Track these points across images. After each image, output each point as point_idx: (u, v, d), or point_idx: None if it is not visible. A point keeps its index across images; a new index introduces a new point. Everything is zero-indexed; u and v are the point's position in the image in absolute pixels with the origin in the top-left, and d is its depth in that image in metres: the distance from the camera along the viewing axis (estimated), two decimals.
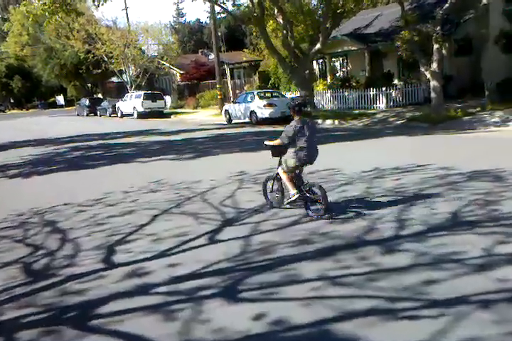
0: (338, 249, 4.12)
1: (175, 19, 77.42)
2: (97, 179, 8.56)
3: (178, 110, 33.59)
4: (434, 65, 13.88)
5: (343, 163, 8.09)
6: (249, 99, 19.02)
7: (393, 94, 19.41)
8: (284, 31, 18.94)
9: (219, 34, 66.45)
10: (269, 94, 19.65)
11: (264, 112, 17.77)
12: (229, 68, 26.74)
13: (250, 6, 18.98)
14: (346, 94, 20.78)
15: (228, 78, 26.67)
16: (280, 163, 5.48)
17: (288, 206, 5.44)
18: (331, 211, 5.04)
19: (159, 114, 29.03)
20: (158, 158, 10.46)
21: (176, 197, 6.56)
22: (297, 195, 5.15)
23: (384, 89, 19.16)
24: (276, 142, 5.42)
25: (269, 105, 17.84)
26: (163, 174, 8.43)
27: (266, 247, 4.30)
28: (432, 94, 14.49)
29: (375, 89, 19.52)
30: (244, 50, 37.84)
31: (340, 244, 4.22)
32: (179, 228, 5.09)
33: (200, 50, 49.27)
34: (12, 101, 67.34)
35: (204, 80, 35.67)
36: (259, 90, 21.15)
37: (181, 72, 39.81)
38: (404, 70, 21.65)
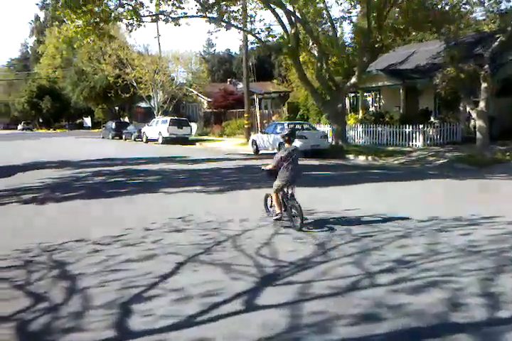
0: (417, 331, 3.18)
1: (205, 49, 79.15)
2: (116, 210, 7.80)
3: (204, 137, 33.24)
4: (482, 104, 13.05)
5: (392, 208, 7.19)
6: (278, 129, 18.32)
7: (431, 132, 18.51)
8: (319, 63, 18.45)
9: (249, 64, 67.40)
10: (299, 126, 18.98)
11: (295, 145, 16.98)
12: (258, 98, 26.33)
13: (285, 37, 18.62)
14: (380, 129, 19.98)
15: (257, 108, 26.21)
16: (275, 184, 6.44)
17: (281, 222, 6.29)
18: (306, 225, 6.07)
19: (184, 141, 28.65)
20: (184, 189, 9.69)
21: (204, 239, 5.71)
22: (279, 216, 6.28)
23: (421, 126, 18.30)
24: (271, 167, 6.65)
25: (300, 137, 17.07)
26: (188, 208, 7.63)
27: (321, 322, 3.38)
28: (478, 135, 13.59)
29: (411, 126, 18.68)
30: (274, 80, 37.77)
31: (419, 325, 3.28)
32: (209, 283, 4.22)
33: (228, 80, 49.59)
34: (41, 120, 68.63)
35: (231, 109, 35.49)
36: (289, 121, 20.52)
37: (209, 99, 39.83)
38: (441, 108, 20.84)
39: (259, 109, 26.99)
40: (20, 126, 72.19)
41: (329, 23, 19.32)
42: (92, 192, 9.89)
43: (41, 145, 29.08)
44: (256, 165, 14.00)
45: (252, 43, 19.20)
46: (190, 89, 38.43)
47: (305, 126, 19.04)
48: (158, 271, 4.61)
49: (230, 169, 13.42)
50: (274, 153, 18.02)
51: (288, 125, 18.10)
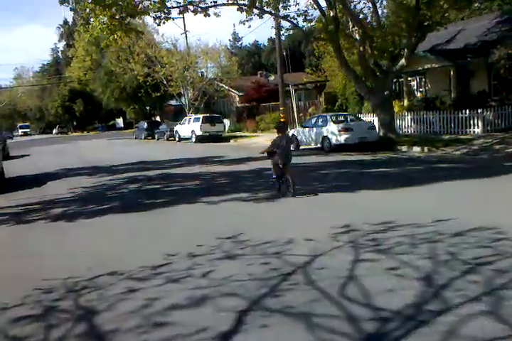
0: None
1: (231, 43, 77.87)
2: (153, 228, 6.69)
3: (237, 133, 32.13)
4: None
5: (501, 219, 5.71)
6: (320, 122, 16.99)
7: (490, 117, 16.68)
8: (361, 48, 16.90)
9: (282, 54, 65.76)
10: (342, 118, 17.54)
11: (340, 138, 15.62)
12: (293, 89, 24.92)
13: (323, 21, 17.14)
14: (431, 116, 18.25)
15: (293, 100, 24.82)
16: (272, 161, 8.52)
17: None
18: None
19: (218, 138, 27.63)
20: (228, 197, 8.51)
21: (266, 271, 4.49)
22: (276, 178, 8.49)
23: (480, 111, 16.51)
24: (268, 149, 8.60)
25: (345, 130, 15.69)
26: (238, 223, 6.45)
27: None
28: None
29: (467, 111, 16.90)
30: (306, 70, 36.19)
31: None
32: None
33: (259, 72, 48.12)
34: (75, 123, 69.36)
35: (264, 102, 34.16)
36: (332, 113, 19.06)
37: (240, 94, 38.65)
38: (499, 89, 18.88)
39: (295, 101, 25.59)
40: (55, 130, 73.33)
41: (370, 3, 17.73)
42: (126, 203, 8.86)
43: (74, 149, 28.69)
44: (302, 164, 12.75)
45: (287, 29, 17.79)
46: (221, 84, 37.33)
47: (350, 118, 17.57)
48: (215, 327, 3.42)
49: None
50: (317, 148, 16.93)
51: (331, 117, 16.67)
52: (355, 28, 16.90)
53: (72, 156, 22.59)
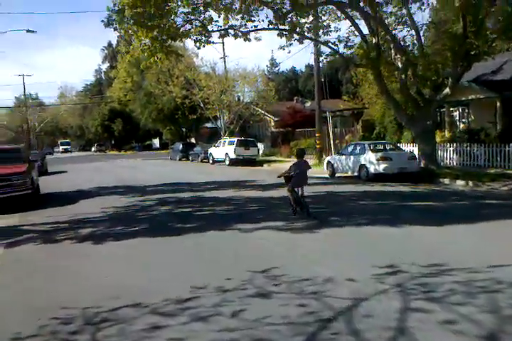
0: None
1: (269, 68, 78.85)
2: (182, 256, 6.33)
3: (271, 158, 31.89)
4: None
5: None
6: (358, 150, 16.48)
7: None
8: (403, 75, 16.48)
9: (314, 82, 65.92)
10: (381, 147, 16.99)
11: (378, 167, 15.06)
12: (330, 116, 24.58)
13: (364, 47, 16.88)
14: (475, 149, 17.46)
15: (330, 126, 24.45)
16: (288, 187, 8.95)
17: None
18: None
19: (251, 162, 27.44)
20: (262, 225, 8.10)
21: (302, 314, 4.02)
22: (294, 209, 8.92)
23: None
24: (285, 173, 9.13)
25: (384, 159, 15.13)
26: (273, 255, 6.02)
27: None
28: None
29: None
30: (343, 97, 35.96)
31: None
32: None
33: (295, 98, 48.36)
34: (113, 142, 71.08)
35: (299, 128, 33.95)
36: (370, 141, 18.55)
37: (275, 119, 38.63)
38: None
39: (331, 127, 25.20)
40: (93, 148, 75.38)
41: (413, 31, 17.39)
42: (155, 226, 8.58)
43: (111, 167, 29.07)
44: (338, 193, 12.24)
45: (327, 55, 17.59)
46: (257, 109, 37.47)
47: (389, 147, 17.00)
48: None
49: (309, 197, 11.64)
50: (354, 177, 16.38)
51: (369, 145, 16.16)
52: (397, 55, 16.52)
53: (107, 174, 22.80)
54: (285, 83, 71.46)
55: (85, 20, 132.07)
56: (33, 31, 33.66)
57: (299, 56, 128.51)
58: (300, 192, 8.85)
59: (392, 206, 10.21)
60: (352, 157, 16.40)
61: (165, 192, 13.96)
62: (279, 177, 9.35)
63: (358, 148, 16.54)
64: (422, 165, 16.28)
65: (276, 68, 79.74)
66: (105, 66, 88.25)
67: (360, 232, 7.33)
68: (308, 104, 40.35)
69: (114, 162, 35.96)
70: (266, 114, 39.06)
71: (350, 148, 17.19)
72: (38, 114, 71.45)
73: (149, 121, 46.82)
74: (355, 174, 16.20)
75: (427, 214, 8.92)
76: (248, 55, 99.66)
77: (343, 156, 16.98)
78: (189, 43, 69.59)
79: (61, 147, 78.79)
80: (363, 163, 15.72)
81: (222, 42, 37.21)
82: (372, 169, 15.25)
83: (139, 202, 12.24)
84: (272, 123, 39.93)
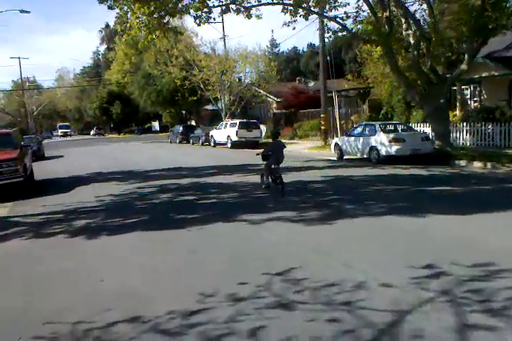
0: None
1: (269, 49, 76.99)
2: (185, 255, 5.60)
3: None
4: None
5: None
6: (367, 131, 15.67)
7: None
8: (415, 52, 15.52)
9: (316, 62, 64.37)
10: (392, 127, 16.17)
11: (390, 149, 14.28)
12: (336, 96, 23.63)
13: (374, 22, 15.87)
14: (491, 128, 16.63)
15: (336, 107, 23.55)
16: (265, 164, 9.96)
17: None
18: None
19: (254, 144, 26.60)
20: (271, 215, 7.36)
21: (335, 333, 3.31)
22: (267, 182, 9.99)
23: None
24: (263, 152, 10.16)
25: (396, 140, 14.33)
26: (289, 253, 5.30)
27: None
28: None
29: None
30: (348, 76, 34.92)
31: None
32: None
33: (297, 78, 47.11)
34: (112, 125, 70.06)
35: (302, 109, 32.99)
36: (381, 122, 17.70)
37: (278, 100, 37.60)
38: None
39: (337, 108, 24.28)
40: (92, 132, 74.35)
41: (425, 5, 16.37)
42: (155, 218, 7.86)
43: (109, 151, 28.28)
44: (348, 177, 11.49)
45: (334, 32, 16.58)
46: (259, 90, 36.42)
47: (400, 127, 16.18)
48: None
49: (319, 182, 10.95)
50: (363, 159, 15.61)
51: (380, 126, 15.33)
52: (409, 30, 15.52)
53: (105, 159, 22.04)
54: (286, 63, 69.87)
55: (84, 2, 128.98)
56: (27, 12, 32.29)
57: (300, 36, 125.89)
58: (276, 171, 9.76)
59: (409, 191, 9.46)
60: (361, 138, 15.60)
61: (165, 178, 13.22)
62: (257, 154, 10.31)
63: (368, 128, 15.72)
64: (435, 146, 15.48)
65: (277, 49, 77.98)
66: (103, 48, 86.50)
67: (381, 223, 6.60)
68: (311, 84, 39.30)
69: (113, 145, 35.15)
70: (268, 95, 38.02)
71: (359, 129, 16.37)
72: (35, 97, 70.18)
73: (148, 104, 45.72)
74: (365, 156, 15.43)
75: (450, 201, 8.19)
76: (247, 36, 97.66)
77: (352, 138, 16.17)
78: (188, 22, 67.88)
79: (60, 130, 76.70)
80: (373, 144, 14.93)
81: (222, 22, 36.00)
82: (383, 151, 14.47)
83: (137, 189, 11.51)
84: (274, 105, 38.91)
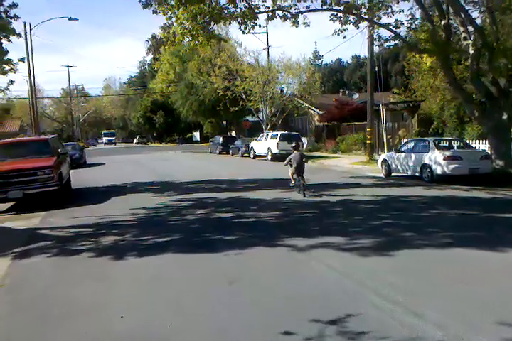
0: None
1: (312, 61, 76.18)
2: (222, 286, 4.84)
3: (315, 154, 30.12)
4: None
5: None
6: (420, 148, 14.55)
7: None
8: (474, 62, 14.35)
9: (360, 74, 63.04)
10: (447, 143, 14.98)
11: (445, 168, 13.11)
12: (383, 109, 22.54)
13: (431, 30, 14.83)
14: None
15: (383, 121, 22.45)
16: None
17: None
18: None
19: None
20: (319, 240, 6.50)
21: None
22: (294, 185, 11.51)
23: None
24: (287, 163, 11.87)
25: (453, 158, 13.15)
26: (344, 293, 4.43)
27: None
28: None
29: None
30: (394, 90, 33.61)
31: None
32: None
33: (341, 90, 46.05)
34: (155, 134, 71.04)
35: (346, 122, 31.93)
36: (435, 137, 16.52)
37: (320, 112, 36.69)
38: None
39: (384, 122, 23.16)
40: (135, 140, 75.64)
41: (486, 12, 15.19)
42: (188, 237, 7.17)
43: (150, 160, 28.19)
44: (402, 198, 10.46)
45: (386, 40, 15.64)
46: (301, 101, 35.69)
47: (456, 143, 14.95)
48: None
49: (369, 202, 9.98)
50: (413, 177, 14.46)
51: (434, 142, 14.19)
52: (468, 40, 14.39)
53: (144, 168, 21.83)
54: (329, 75, 68.87)
55: (132, 12, 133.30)
56: (75, 19, 33.08)
57: (344, 48, 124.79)
58: (299, 177, 11.26)
59: (477, 218, 8.34)
60: (413, 155, 14.49)
61: (202, 191, 12.62)
62: (285, 165, 12.07)
63: (421, 144, 14.60)
64: (495, 165, 14.16)
65: (319, 60, 77.19)
66: (149, 58, 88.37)
67: (452, 258, 5.61)
68: (355, 96, 38.15)
69: (154, 154, 35.22)
70: (310, 107, 37.19)
71: (410, 145, 15.26)
72: (82, 105, 72.25)
73: (190, 113, 45.83)
74: (416, 174, 14.29)
75: None
76: (290, 47, 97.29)
77: (402, 154, 15.07)
78: (232, 31, 68.29)
79: (104, 138, 76.25)
80: (426, 162, 13.80)
81: (266, 32, 35.70)
82: (437, 169, 13.31)
83: (173, 202, 10.94)
84: (316, 117, 38.00)
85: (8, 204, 11.62)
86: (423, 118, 24.68)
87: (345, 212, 8.89)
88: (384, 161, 16.28)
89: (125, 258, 6.04)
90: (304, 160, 11.75)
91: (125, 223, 8.59)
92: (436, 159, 13.41)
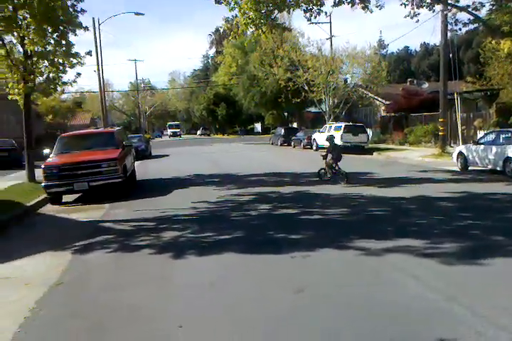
0: None
1: (377, 51, 73.18)
2: (290, 295, 4.35)
3: (381, 145, 28.86)
4: None
5: None
6: (502, 140, 13.23)
7: None
8: None
9: (429, 63, 59.88)
10: None
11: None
12: (459, 99, 20.94)
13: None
14: None
15: (457, 111, 20.90)
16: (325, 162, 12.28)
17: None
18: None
19: (360, 150, 24.77)
20: (394, 243, 5.82)
21: None
22: (330, 176, 12.23)
23: None
24: (323, 154, 12.55)
25: None
26: (434, 312, 3.79)
27: None
28: None
29: None
30: (468, 78, 31.39)
31: None
32: None
33: (408, 79, 43.75)
34: (217, 126, 71.90)
35: (414, 112, 30.23)
36: None
37: (387, 102, 35.06)
38: None
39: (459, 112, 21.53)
40: (198, 132, 76.93)
41: None
42: (251, 235, 6.76)
43: (212, 151, 28.30)
44: (485, 195, 9.44)
45: (464, 24, 14.33)
46: (366, 92, 34.27)
47: None
48: None
49: (448, 200, 9.06)
50: (493, 171, 13.17)
51: None
52: None
53: (207, 160, 21.82)
54: (396, 64, 65.96)
55: (194, 6, 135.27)
56: (141, 14, 33.64)
57: (412, 35, 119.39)
58: (336, 166, 12.19)
59: None
60: (494, 147, 13.20)
61: (264, 185, 12.21)
62: (322, 155, 12.68)
63: (503, 136, 13.27)
64: None
65: (384, 50, 74.07)
66: (212, 51, 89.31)
67: None
68: (425, 85, 36.03)
69: (216, 146, 35.42)
70: (375, 97, 35.64)
71: (491, 137, 13.93)
72: (149, 98, 74.38)
73: (252, 105, 45.64)
74: (498, 169, 13.01)
75: None
76: (354, 36, 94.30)
77: (482, 146, 13.79)
78: (295, 21, 67.04)
79: (170, 130, 75.74)
80: (508, 155, 12.51)
81: (330, 22, 34.54)
82: None
83: (234, 196, 10.62)
84: (382, 108, 36.38)
85: (74, 196, 11.86)
86: (502, 107, 22.73)
87: (422, 211, 8.09)
88: (460, 154, 15.05)
89: (185, 257, 5.73)
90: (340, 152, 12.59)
91: (186, 217, 8.35)
92: None
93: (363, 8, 14.14)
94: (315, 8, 13.93)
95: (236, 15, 14.48)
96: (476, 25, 14.47)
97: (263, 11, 13.58)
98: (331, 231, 6.79)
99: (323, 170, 12.52)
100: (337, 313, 3.88)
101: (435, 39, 59.80)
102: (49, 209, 10.53)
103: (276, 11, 14.09)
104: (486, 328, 3.44)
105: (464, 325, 3.52)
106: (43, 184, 10.71)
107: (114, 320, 4.00)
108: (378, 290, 4.37)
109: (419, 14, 14.77)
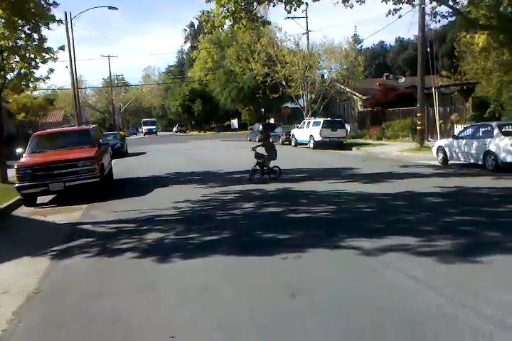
0: None
1: (352, 46, 73.44)
2: (284, 300, 4.15)
3: (359, 140, 28.96)
4: None
5: None
6: (482, 133, 13.34)
7: None
8: None
9: (404, 57, 60.58)
10: (510, 128, 13.62)
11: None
12: (436, 93, 21.09)
13: (495, 4, 13.45)
14: None
15: (435, 105, 21.07)
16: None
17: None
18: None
19: (338, 145, 24.80)
20: (386, 241, 5.67)
21: None
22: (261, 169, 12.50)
23: None
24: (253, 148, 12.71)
25: None
26: (437, 316, 3.63)
27: None
28: None
29: None
30: (442, 72, 31.71)
31: None
32: None
33: (384, 74, 44.09)
34: (193, 122, 71.14)
35: (391, 107, 30.44)
36: (501, 121, 15.18)
37: (364, 97, 35.22)
38: None
39: (436, 106, 21.70)
40: (174, 129, 76.06)
41: None
42: (238, 236, 6.52)
43: (190, 149, 27.89)
44: (471, 190, 9.43)
45: (443, 17, 14.32)
46: (343, 87, 34.34)
47: None
48: None
49: (434, 195, 9.00)
50: (474, 165, 13.25)
51: (499, 126, 12.93)
52: None
53: (186, 157, 21.45)
54: (371, 59, 66.46)
55: (171, 0, 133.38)
56: (115, 8, 32.78)
57: (387, 30, 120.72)
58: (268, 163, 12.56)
59: None
60: (474, 142, 13.28)
61: (246, 182, 11.98)
62: (252, 149, 12.99)
63: (483, 130, 13.36)
64: None
65: (359, 45, 74.52)
66: (187, 47, 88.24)
67: None
68: (401, 80, 36.37)
69: (193, 143, 34.97)
70: (353, 92, 35.77)
71: (470, 130, 14.01)
72: (123, 94, 73.01)
73: (229, 101, 45.29)
74: (479, 163, 13.10)
75: None
76: (329, 33, 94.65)
77: (462, 140, 13.87)
78: (271, 17, 66.73)
79: (144, 127, 72.80)
80: (490, 148, 12.59)
81: (306, 17, 34.42)
82: (504, 157, 12.10)
83: (218, 194, 10.34)
84: (360, 103, 36.57)
85: (49, 197, 11.39)
86: (477, 101, 23.05)
87: (409, 207, 7.99)
88: (440, 148, 15.12)
89: (170, 261, 5.45)
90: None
91: (169, 218, 8.06)
92: (502, 145, 12.19)
93: (344, 1, 14.01)
94: (295, 0, 13.72)
95: (212, 9, 14.17)
96: (454, 18, 14.40)
97: (242, 4, 13.30)
98: (319, 229, 6.60)
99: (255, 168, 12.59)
100: (336, 316, 3.68)
101: (410, 34, 60.25)
102: (23, 211, 10.07)
103: (255, 4, 13.85)
104: (494, 331, 3.29)
105: (472, 329, 3.37)
106: (16, 185, 10.23)
107: (99, 333, 3.71)
108: (376, 291, 4.19)
109: (400, 9, 14.72)
